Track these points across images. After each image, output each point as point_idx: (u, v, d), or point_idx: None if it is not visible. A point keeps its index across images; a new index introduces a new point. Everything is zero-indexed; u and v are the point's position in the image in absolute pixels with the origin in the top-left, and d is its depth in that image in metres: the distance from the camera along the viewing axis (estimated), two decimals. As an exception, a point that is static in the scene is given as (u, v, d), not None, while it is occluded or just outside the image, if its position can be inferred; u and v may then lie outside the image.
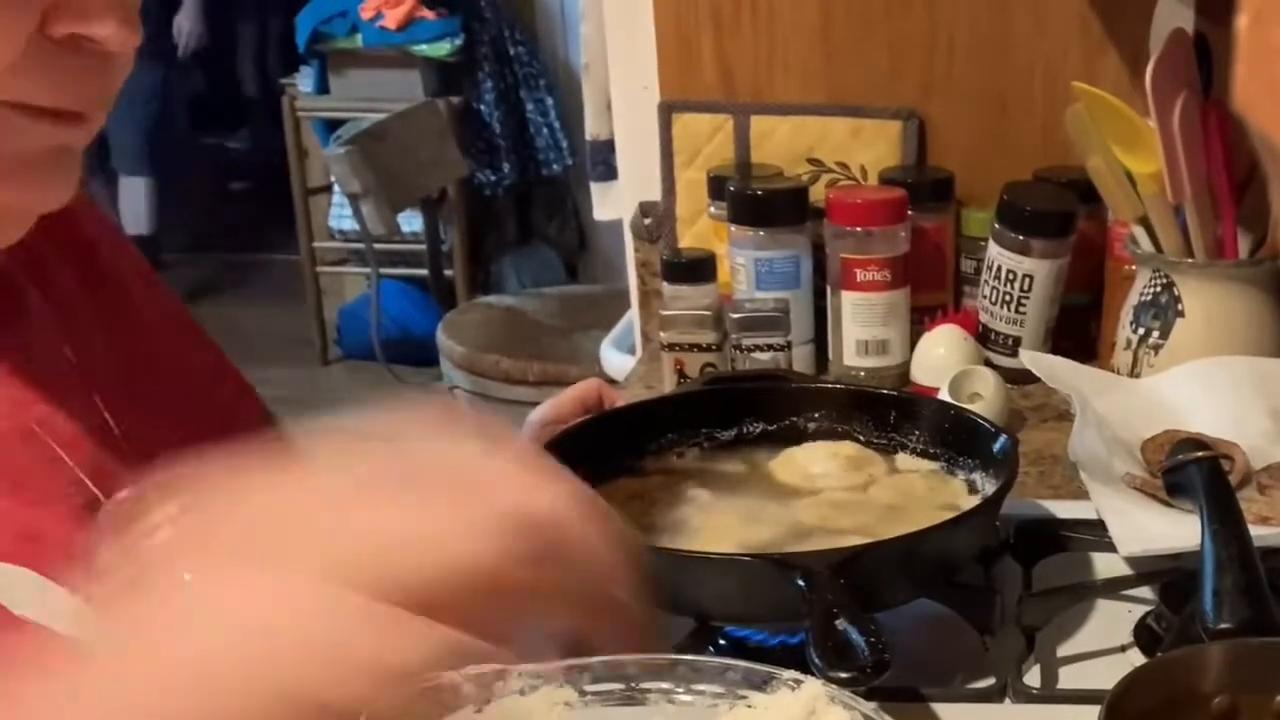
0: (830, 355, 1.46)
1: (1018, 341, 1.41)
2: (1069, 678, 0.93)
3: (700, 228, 1.55)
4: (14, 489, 0.67)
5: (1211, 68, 1.24)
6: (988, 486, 1.01)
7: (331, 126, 3.97)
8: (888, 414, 1.10)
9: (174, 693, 0.48)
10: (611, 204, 1.81)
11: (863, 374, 1.42)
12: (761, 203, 1.43)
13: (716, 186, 1.50)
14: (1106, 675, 0.78)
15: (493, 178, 4.16)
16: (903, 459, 1.07)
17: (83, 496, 0.70)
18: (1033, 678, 0.91)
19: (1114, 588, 1.00)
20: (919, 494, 1.03)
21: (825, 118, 1.51)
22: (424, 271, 3.98)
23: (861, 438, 1.10)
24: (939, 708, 0.88)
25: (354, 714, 0.48)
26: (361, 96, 4.06)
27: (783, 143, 1.52)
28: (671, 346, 1.35)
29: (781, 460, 1.07)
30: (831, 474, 1.05)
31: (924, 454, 1.08)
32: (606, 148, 1.79)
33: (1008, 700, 0.88)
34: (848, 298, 1.41)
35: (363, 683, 0.48)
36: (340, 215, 4.27)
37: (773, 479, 1.06)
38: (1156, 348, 1.25)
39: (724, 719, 0.75)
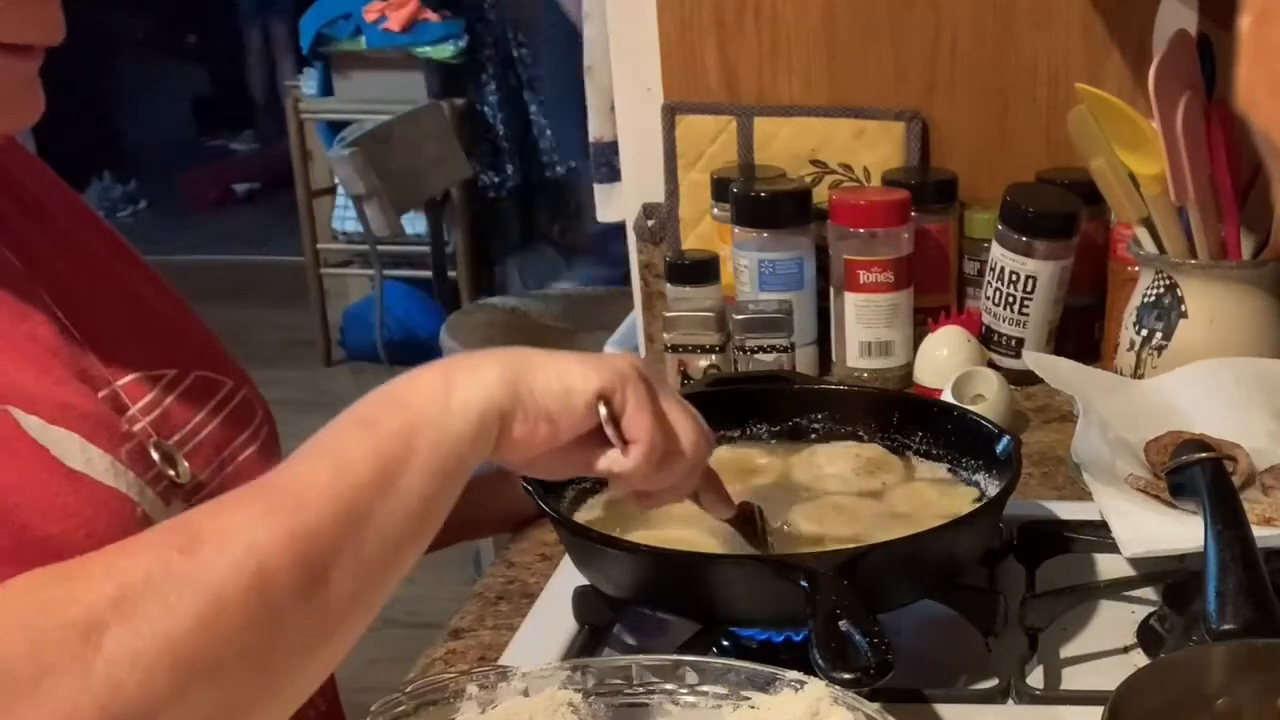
0: (833, 356, 1.46)
1: (1021, 343, 1.41)
2: (1072, 679, 0.93)
3: (703, 229, 1.55)
4: (44, 374, 0.76)
5: (1214, 68, 1.23)
6: (991, 488, 1.01)
7: (336, 128, 3.98)
8: (891, 415, 1.10)
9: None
10: (615, 206, 1.81)
11: (866, 375, 1.42)
12: (765, 204, 1.43)
13: (720, 188, 1.50)
14: (1110, 676, 0.79)
15: (496, 179, 4.17)
16: (920, 464, 1.07)
17: (83, 385, 0.78)
18: (1036, 679, 0.91)
19: (1117, 589, 1.00)
20: (927, 501, 1.03)
21: (828, 119, 1.51)
22: (428, 273, 3.98)
23: (865, 437, 1.10)
24: (942, 709, 0.88)
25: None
26: (365, 98, 4.06)
27: (786, 144, 1.52)
28: (675, 348, 1.35)
29: (803, 458, 1.08)
30: (846, 476, 1.05)
31: (927, 455, 1.08)
32: (610, 149, 1.79)
33: (1011, 701, 0.88)
34: (851, 299, 1.41)
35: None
36: (344, 217, 4.27)
37: (789, 476, 1.06)
38: (1159, 349, 1.25)
39: (727, 720, 0.75)
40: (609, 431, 0.78)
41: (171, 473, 0.81)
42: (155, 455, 0.80)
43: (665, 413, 0.80)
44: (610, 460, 0.80)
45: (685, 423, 0.81)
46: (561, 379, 0.76)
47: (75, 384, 0.77)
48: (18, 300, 0.77)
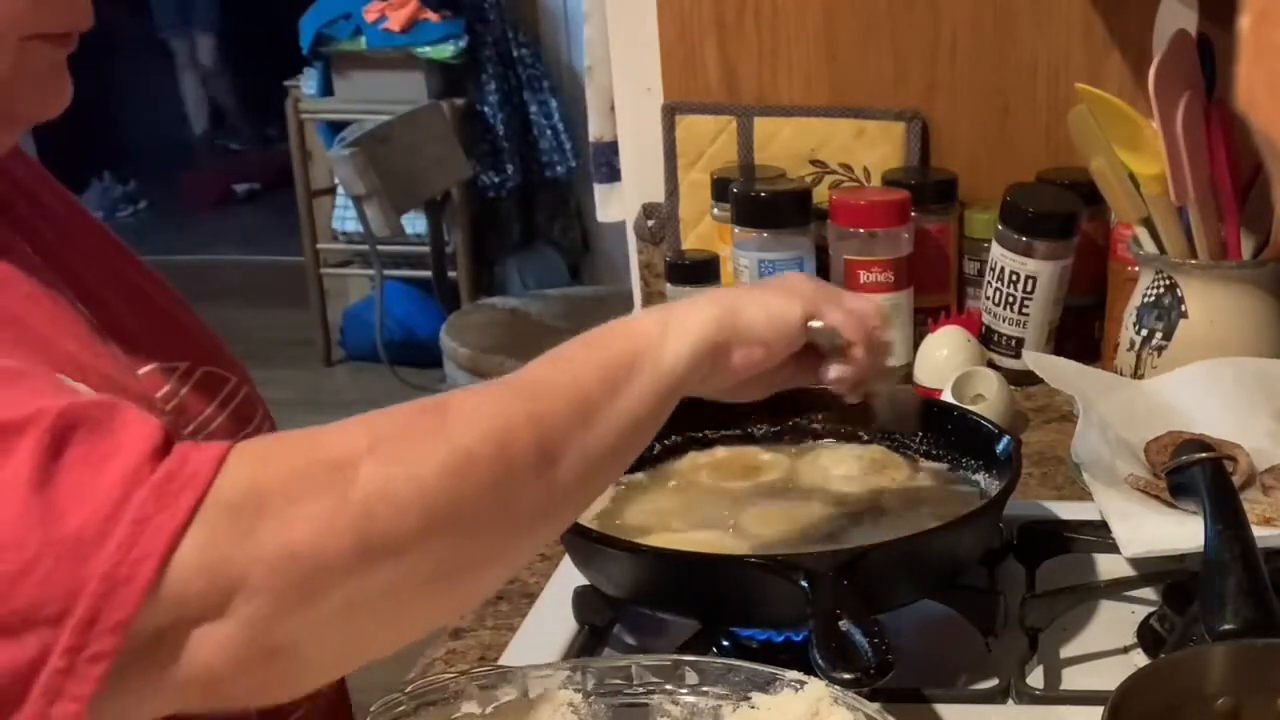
0: (834, 357, 1.46)
1: (1021, 343, 1.41)
2: (1072, 679, 0.93)
3: (703, 229, 1.56)
4: (84, 349, 0.77)
5: (1214, 69, 1.23)
6: (991, 488, 1.01)
7: (336, 129, 3.98)
8: (891, 415, 1.10)
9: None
10: (615, 206, 1.81)
11: (866, 375, 1.42)
12: (765, 204, 1.43)
13: (720, 188, 1.50)
14: (1110, 676, 0.79)
15: (496, 179, 4.17)
16: (925, 464, 1.07)
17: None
18: (1036, 679, 0.91)
19: (1117, 589, 1.00)
20: (927, 502, 1.03)
21: (829, 119, 1.51)
22: (428, 273, 3.98)
23: (865, 437, 1.10)
24: (942, 709, 0.88)
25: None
26: (365, 98, 4.06)
27: (786, 144, 1.52)
28: (675, 348, 1.35)
29: (809, 460, 1.08)
30: (854, 478, 1.05)
31: (928, 455, 1.08)
32: (610, 149, 1.79)
33: (1011, 701, 0.88)
34: (851, 299, 1.41)
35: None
36: (344, 217, 4.27)
37: (795, 478, 1.06)
38: (1159, 349, 1.25)
39: (728, 720, 0.75)
40: (826, 346, 0.88)
41: None
42: None
43: (853, 307, 0.89)
44: (837, 369, 0.89)
45: (867, 305, 0.91)
46: (767, 308, 0.84)
47: (115, 362, 0.79)
48: (44, 288, 0.78)
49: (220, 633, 0.61)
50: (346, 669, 0.71)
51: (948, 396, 1.26)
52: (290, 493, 0.63)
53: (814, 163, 1.52)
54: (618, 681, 0.79)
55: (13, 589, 0.59)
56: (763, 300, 0.85)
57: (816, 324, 0.86)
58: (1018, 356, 1.38)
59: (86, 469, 0.61)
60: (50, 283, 0.79)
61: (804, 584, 0.85)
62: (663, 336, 0.80)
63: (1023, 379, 1.36)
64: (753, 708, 0.77)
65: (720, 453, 1.10)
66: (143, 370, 0.83)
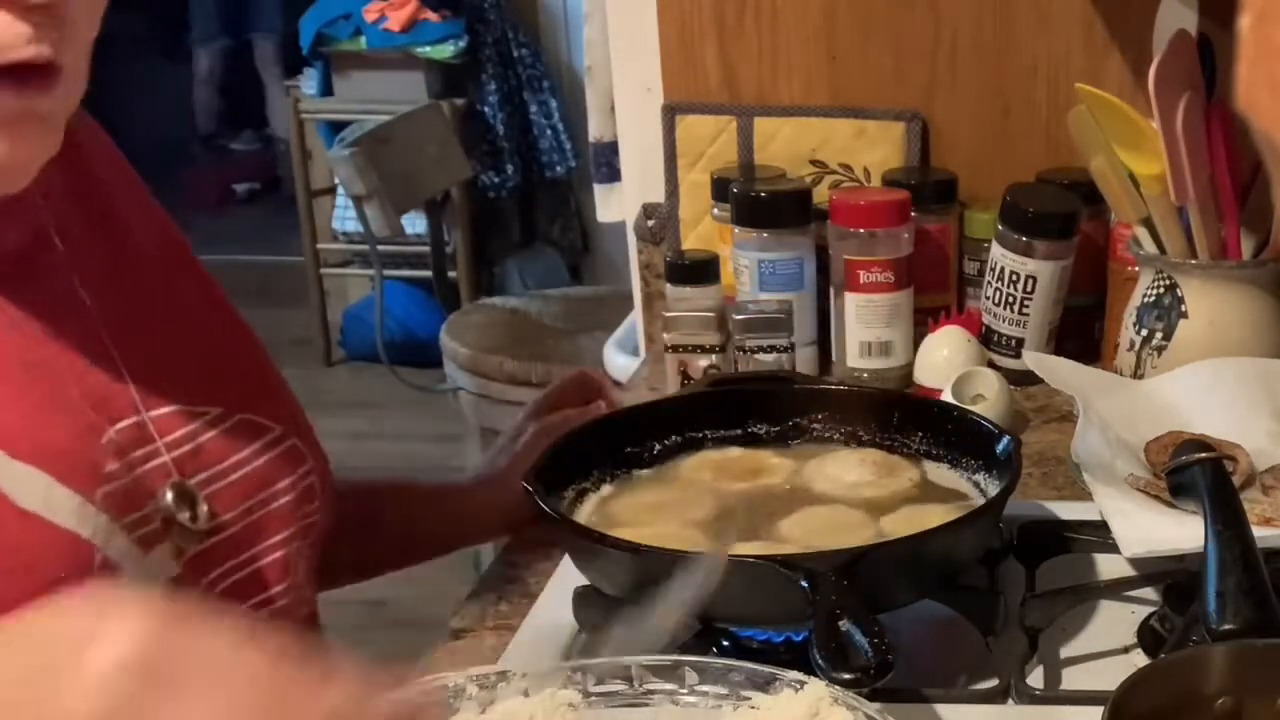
0: (834, 357, 1.46)
1: (1021, 343, 1.41)
2: (1072, 679, 0.93)
3: (704, 229, 1.55)
4: (35, 409, 0.76)
5: (1215, 69, 1.23)
6: (991, 488, 1.01)
7: (336, 128, 3.98)
8: (891, 416, 1.10)
9: None
10: (615, 206, 1.81)
11: (866, 375, 1.42)
12: (765, 204, 1.43)
13: (720, 188, 1.50)
14: (1110, 677, 0.79)
15: (496, 179, 4.17)
16: (929, 466, 1.07)
17: (86, 420, 0.78)
18: (1036, 679, 0.91)
19: (1117, 589, 1.00)
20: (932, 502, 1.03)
21: (829, 119, 1.51)
22: (428, 273, 3.98)
23: (865, 437, 1.10)
24: (942, 709, 0.88)
25: None
26: (365, 98, 4.06)
27: (786, 144, 1.52)
28: (675, 348, 1.35)
29: (812, 467, 1.08)
30: (867, 479, 1.05)
31: (928, 455, 1.08)
32: (610, 150, 1.79)
33: (1011, 701, 0.88)
34: (851, 299, 1.41)
35: None
36: (344, 217, 4.27)
37: (805, 485, 1.06)
38: (1160, 349, 1.25)
39: (727, 720, 0.75)
40: None
41: (186, 514, 0.81)
42: (168, 495, 0.80)
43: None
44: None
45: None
46: None
47: (77, 416, 0.77)
48: (55, 316, 0.77)
49: None
50: None
51: (948, 396, 1.26)
52: None
53: (814, 163, 1.52)
54: (618, 681, 0.79)
55: None
56: None
57: None
58: (1018, 356, 1.38)
59: None
60: (69, 309, 0.78)
61: (804, 584, 0.85)
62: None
63: (1023, 379, 1.36)
64: (753, 708, 0.77)
65: (732, 453, 1.10)
66: (157, 412, 0.82)
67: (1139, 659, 0.94)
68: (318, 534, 0.93)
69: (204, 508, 0.82)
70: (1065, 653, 0.95)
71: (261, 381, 0.94)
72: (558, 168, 4.23)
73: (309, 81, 4.25)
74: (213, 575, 0.84)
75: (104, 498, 0.76)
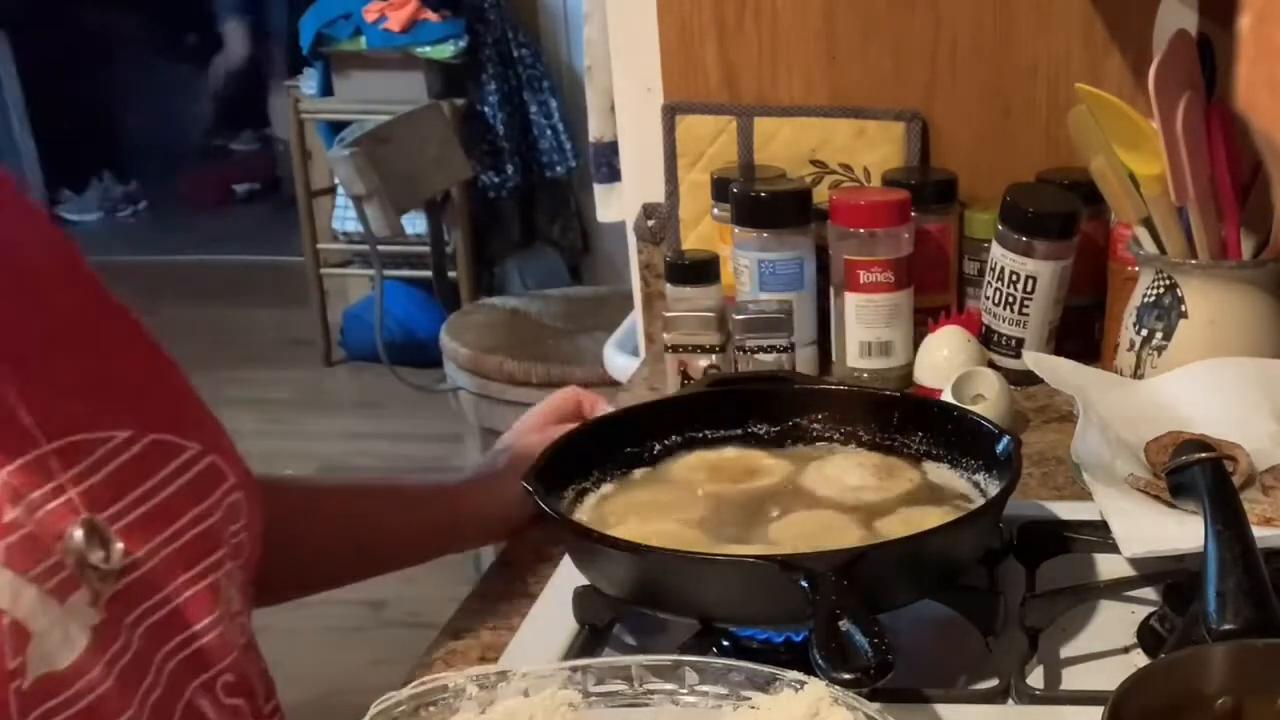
0: (834, 357, 1.46)
1: (1021, 343, 1.41)
2: (1072, 679, 0.93)
3: (703, 229, 1.56)
4: None
5: (1215, 68, 1.23)
6: (991, 488, 1.01)
7: (336, 128, 3.98)
8: (891, 416, 1.10)
9: None
10: (615, 206, 1.82)
11: (866, 375, 1.42)
12: (765, 204, 1.43)
13: (720, 188, 1.50)
14: (1110, 677, 0.79)
15: (496, 179, 4.17)
16: (930, 467, 1.07)
17: None
18: (1036, 679, 0.91)
19: (1117, 589, 1.00)
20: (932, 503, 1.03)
21: (829, 119, 1.51)
22: (428, 273, 3.98)
23: (865, 437, 1.10)
24: (942, 709, 0.88)
25: None
26: (365, 99, 4.06)
27: (786, 144, 1.52)
28: (675, 348, 1.35)
29: (812, 468, 1.08)
30: (870, 483, 1.05)
31: (928, 455, 1.08)
32: (610, 150, 1.79)
33: (1011, 701, 0.88)
34: (851, 299, 1.41)
35: None
36: (344, 217, 4.27)
37: (803, 486, 1.06)
38: (1160, 349, 1.25)
39: (727, 720, 0.75)
40: None
41: (99, 554, 0.73)
42: (77, 534, 0.72)
43: None
44: None
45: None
46: None
47: None
48: None
49: None
50: None
51: (948, 396, 1.26)
52: None
53: (814, 163, 1.52)
54: (618, 681, 0.79)
55: None
56: None
57: None
58: (1018, 356, 1.38)
59: None
60: None
61: (804, 584, 0.85)
62: None
63: (1023, 379, 1.36)
64: (753, 708, 0.77)
65: (728, 453, 1.10)
66: (60, 443, 0.73)
67: (1139, 659, 0.94)
68: (249, 555, 0.86)
69: (118, 545, 0.74)
70: (1065, 653, 0.95)
71: (171, 398, 0.84)
72: (558, 168, 4.23)
73: (309, 81, 4.25)
74: (134, 615, 0.75)
75: (4, 551, 0.68)
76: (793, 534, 0.98)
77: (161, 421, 0.80)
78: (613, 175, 1.78)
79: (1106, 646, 0.96)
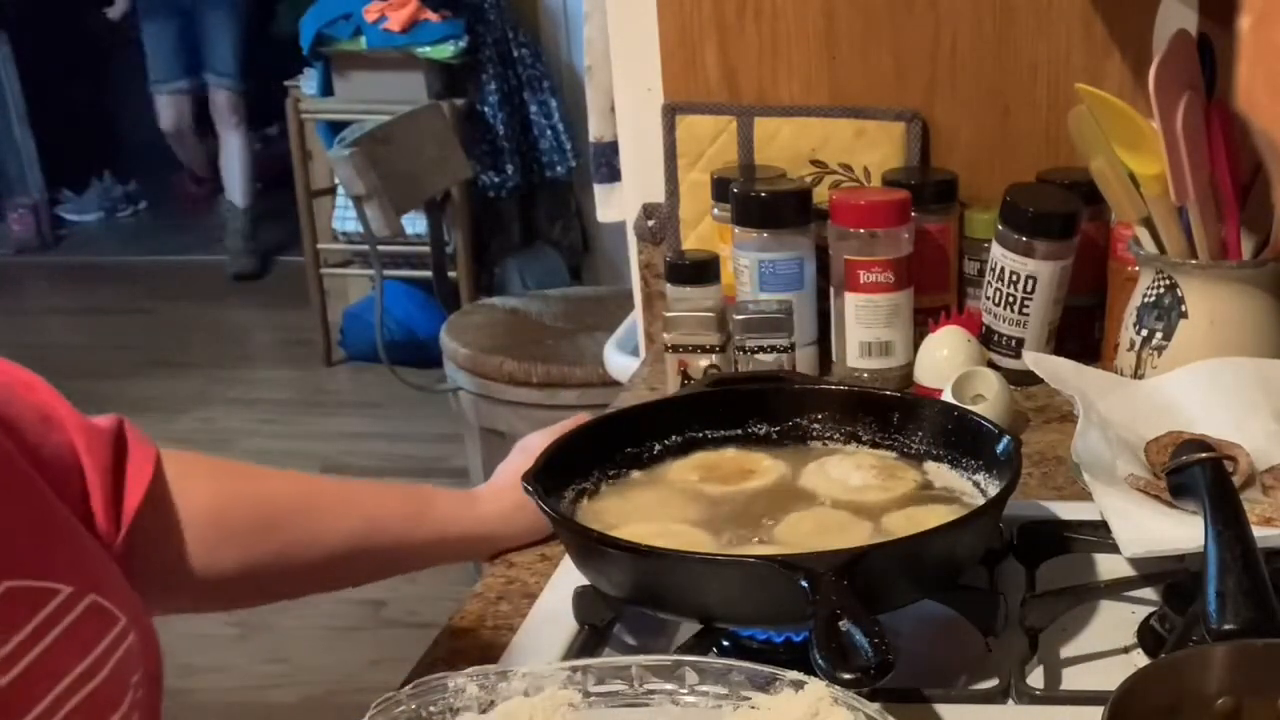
0: (834, 357, 1.46)
1: (1021, 343, 1.41)
2: (1072, 679, 0.93)
3: (704, 229, 1.56)
4: None
5: (1215, 69, 1.23)
6: (991, 488, 1.01)
7: (336, 128, 3.98)
8: (891, 416, 1.10)
9: None
10: (615, 206, 1.81)
11: (866, 375, 1.42)
12: (765, 204, 1.43)
13: (720, 188, 1.50)
14: (1110, 677, 0.79)
15: (496, 180, 4.17)
16: (930, 467, 1.07)
17: None
18: (1036, 679, 0.91)
19: (1117, 589, 1.00)
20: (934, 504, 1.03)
21: (829, 119, 1.51)
22: (428, 273, 3.97)
23: (865, 437, 1.10)
24: (942, 709, 0.88)
25: None
26: (365, 98, 4.06)
27: (786, 144, 1.52)
28: (675, 348, 1.35)
29: (812, 469, 1.07)
30: (871, 483, 1.05)
31: (928, 455, 1.08)
32: (610, 150, 1.79)
33: (1011, 701, 0.89)
34: (851, 299, 1.41)
35: None
36: (344, 217, 4.27)
37: (803, 487, 1.06)
38: (1160, 349, 1.25)
39: (727, 720, 0.75)
40: None
41: None
42: None
43: None
44: None
45: None
46: None
47: None
48: None
49: None
50: None
51: (948, 396, 1.26)
52: None
53: (814, 163, 1.52)
54: (618, 681, 0.79)
55: None
56: None
57: None
58: (1018, 356, 1.38)
59: None
60: None
61: (804, 584, 0.85)
62: None
63: (1023, 379, 1.36)
64: (753, 708, 0.77)
65: (728, 453, 1.10)
66: None
67: (1139, 659, 0.94)
68: (154, 701, 0.78)
69: None
70: (1065, 653, 0.95)
71: (36, 534, 0.73)
72: (558, 168, 4.23)
73: (309, 81, 4.25)
74: None
75: None
76: (793, 534, 0.98)
77: (19, 566, 0.70)
78: (613, 175, 1.78)
79: (1106, 646, 0.96)
